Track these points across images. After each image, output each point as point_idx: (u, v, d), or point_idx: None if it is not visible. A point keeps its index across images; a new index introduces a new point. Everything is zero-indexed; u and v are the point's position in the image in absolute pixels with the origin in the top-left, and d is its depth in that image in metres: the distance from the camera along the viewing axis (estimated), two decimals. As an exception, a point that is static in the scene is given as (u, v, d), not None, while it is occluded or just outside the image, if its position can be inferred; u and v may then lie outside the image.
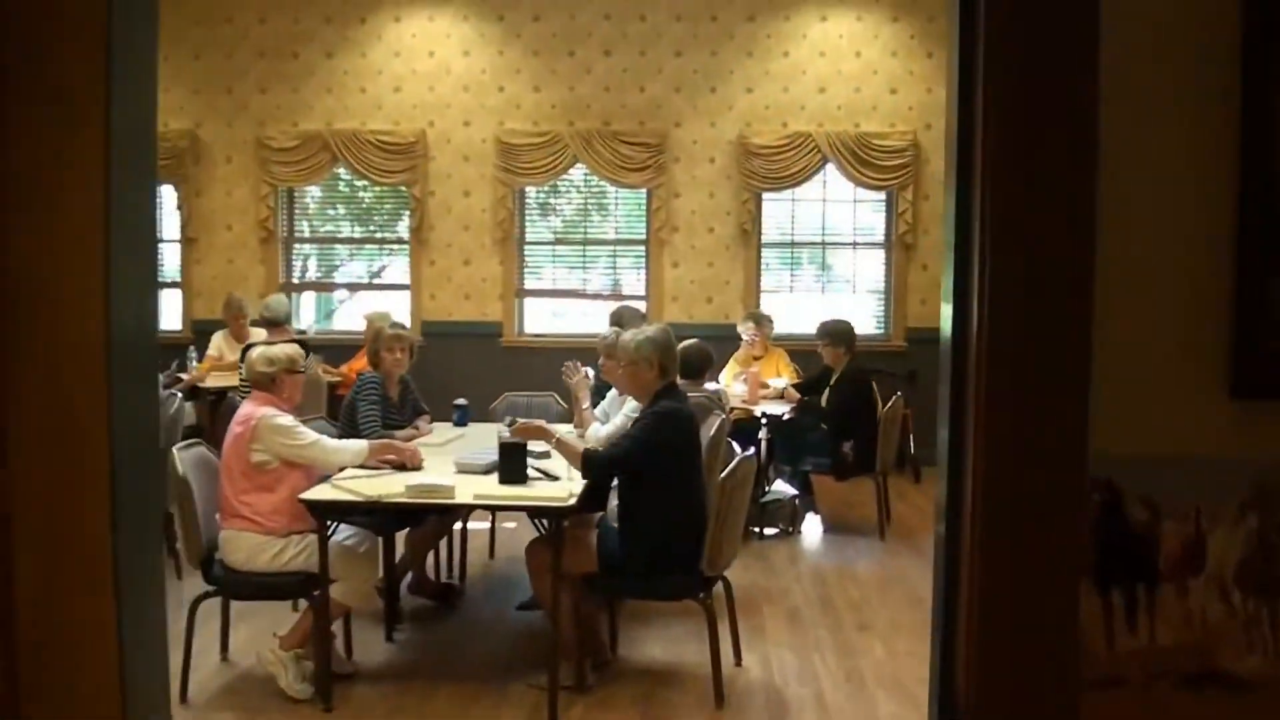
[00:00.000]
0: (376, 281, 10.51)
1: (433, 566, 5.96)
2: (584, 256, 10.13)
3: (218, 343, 8.93)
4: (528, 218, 10.11)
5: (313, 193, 10.40)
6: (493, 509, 4.78)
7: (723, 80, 9.56)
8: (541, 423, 4.79)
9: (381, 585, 5.26)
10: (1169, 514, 1.65)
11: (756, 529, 7.04)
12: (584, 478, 4.41)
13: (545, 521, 4.29)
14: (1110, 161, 1.79)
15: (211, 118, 9.94)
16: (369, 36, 9.80)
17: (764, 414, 7.15)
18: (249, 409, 4.58)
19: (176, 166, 9.87)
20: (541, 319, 10.22)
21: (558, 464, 4.67)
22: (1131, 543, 1.65)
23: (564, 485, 4.43)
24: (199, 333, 9.62)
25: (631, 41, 9.60)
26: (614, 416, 5.33)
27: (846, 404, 7.05)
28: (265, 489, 4.48)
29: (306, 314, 10.70)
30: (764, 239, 9.80)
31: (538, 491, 4.31)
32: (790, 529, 7.22)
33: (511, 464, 4.53)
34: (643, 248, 9.89)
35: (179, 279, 10.20)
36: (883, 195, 9.67)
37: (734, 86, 9.56)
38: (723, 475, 4.22)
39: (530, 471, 4.58)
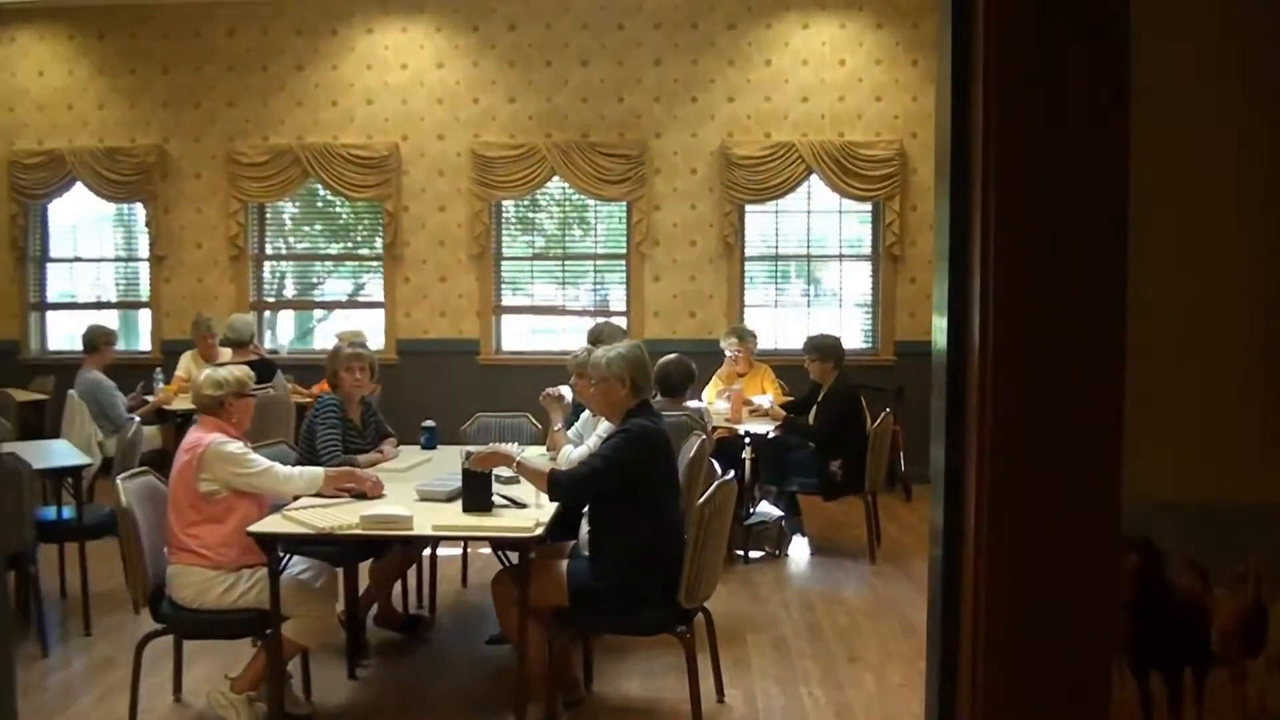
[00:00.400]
0: (350, 299, 10.23)
1: (400, 596, 5.68)
2: (563, 271, 9.87)
3: (185, 363, 8.67)
4: (505, 232, 9.86)
5: (285, 209, 10.13)
6: (453, 539, 4.52)
7: (703, 89, 9.33)
8: (499, 446, 4.51)
9: (343, 618, 5.00)
10: (1221, 579, 1.37)
11: (741, 552, 6.77)
12: (551, 500, 4.16)
13: (510, 554, 4.03)
14: (1145, 163, 1.54)
15: (179, 133, 9.68)
16: (340, 48, 9.55)
17: (748, 432, 6.89)
18: (195, 436, 4.31)
19: (145, 183, 9.63)
20: (520, 336, 9.96)
21: (527, 490, 4.41)
22: (1175, 615, 1.37)
23: (531, 513, 4.16)
24: (168, 353, 9.36)
25: (609, 51, 9.37)
26: (588, 438, 5.07)
27: (834, 421, 6.80)
28: (214, 520, 4.20)
29: (285, 333, 10.42)
30: (747, 252, 9.56)
31: (502, 521, 4.04)
32: (776, 552, 6.95)
33: (475, 491, 4.26)
34: (623, 262, 9.64)
35: (147, 298, 9.92)
36: (869, 206, 9.44)
37: (715, 95, 9.33)
38: (700, 500, 3.95)
39: (496, 499, 4.32)
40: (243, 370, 4.53)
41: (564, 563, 4.22)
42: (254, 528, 4.05)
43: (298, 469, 4.44)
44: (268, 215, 10.05)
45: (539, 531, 3.91)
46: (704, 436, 5.13)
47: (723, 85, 9.32)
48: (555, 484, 4.07)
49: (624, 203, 9.48)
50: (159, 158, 9.63)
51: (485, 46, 9.45)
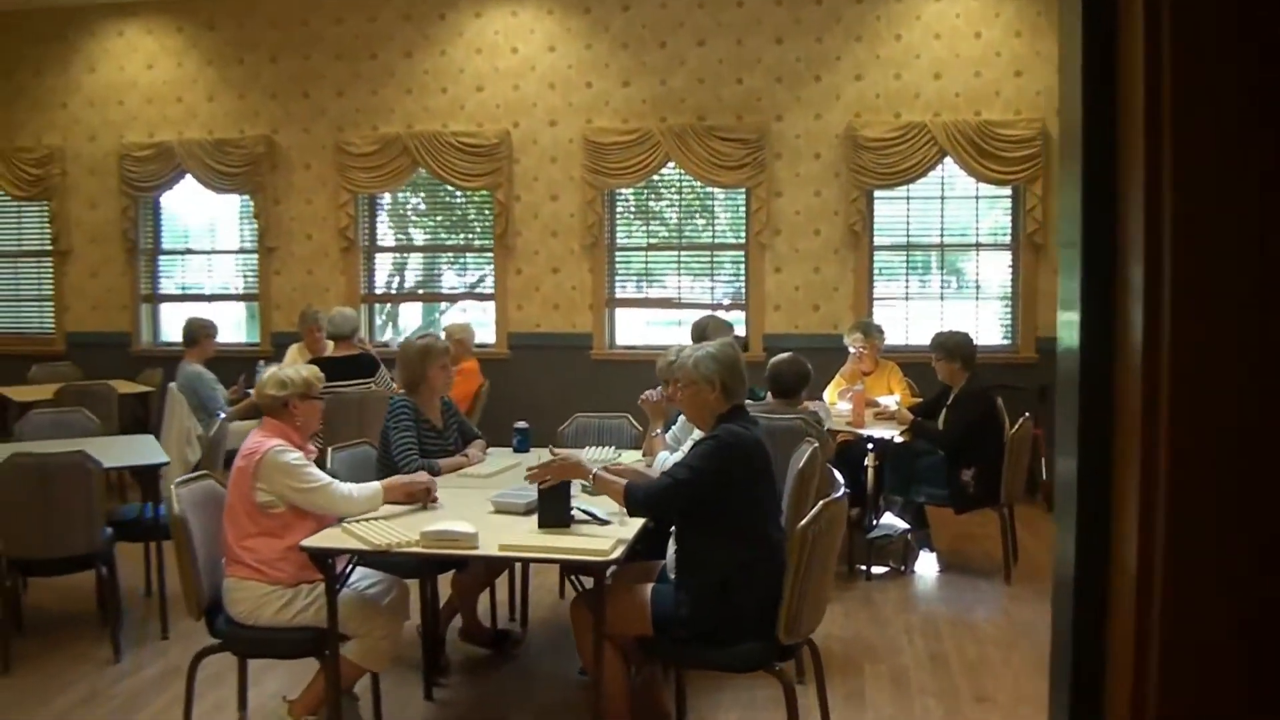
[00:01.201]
0: (464, 292, 9.96)
1: (489, 608, 5.30)
2: (679, 263, 9.38)
3: (291, 356, 8.50)
4: (619, 221, 9.43)
5: (408, 199, 9.92)
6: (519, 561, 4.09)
7: (828, 68, 8.73)
8: (571, 456, 4.05)
9: (420, 632, 4.65)
10: None
11: (863, 567, 6.21)
12: (630, 515, 3.70)
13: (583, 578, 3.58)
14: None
15: (288, 123, 9.54)
16: (449, 33, 9.26)
17: (871, 437, 6.31)
18: (256, 440, 3.97)
19: (253, 174, 9.51)
20: (636, 330, 9.51)
21: (613, 503, 3.95)
22: None
23: (611, 532, 3.70)
24: (278, 346, 9.24)
25: (727, 29, 8.84)
26: (685, 443, 4.58)
27: (966, 425, 6.15)
28: (270, 534, 3.86)
29: (410, 326, 10.17)
30: (876, 241, 8.91)
31: (575, 541, 3.58)
32: (901, 568, 6.36)
33: (551, 504, 3.82)
34: (742, 252, 9.11)
35: (256, 290, 9.82)
36: (1008, 190, 8.71)
37: (841, 74, 8.72)
38: (803, 522, 3.42)
39: (576, 513, 3.87)
40: (310, 371, 4.17)
41: (649, 587, 3.74)
42: (308, 542, 3.68)
43: (356, 486, 4.05)
44: (387, 206, 9.85)
45: (616, 554, 3.44)
46: (816, 444, 4.57)
47: (849, 63, 8.70)
48: (632, 497, 3.61)
49: (742, 190, 8.96)
50: (268, 148, 9.50)
51: (598, 28, 9.03)
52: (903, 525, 6.56)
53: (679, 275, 9.37)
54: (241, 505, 3.88)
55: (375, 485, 4.06)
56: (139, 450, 5.70)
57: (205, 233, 10.27)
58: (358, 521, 3.83)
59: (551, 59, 9.12)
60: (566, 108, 9.11)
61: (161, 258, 10.16)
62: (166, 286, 10.17)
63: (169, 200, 10.06)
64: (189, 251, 10.27)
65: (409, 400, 4.88)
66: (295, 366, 4.22)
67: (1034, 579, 6.10)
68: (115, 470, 5.48)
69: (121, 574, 5.55)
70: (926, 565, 6.45)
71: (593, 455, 5.15)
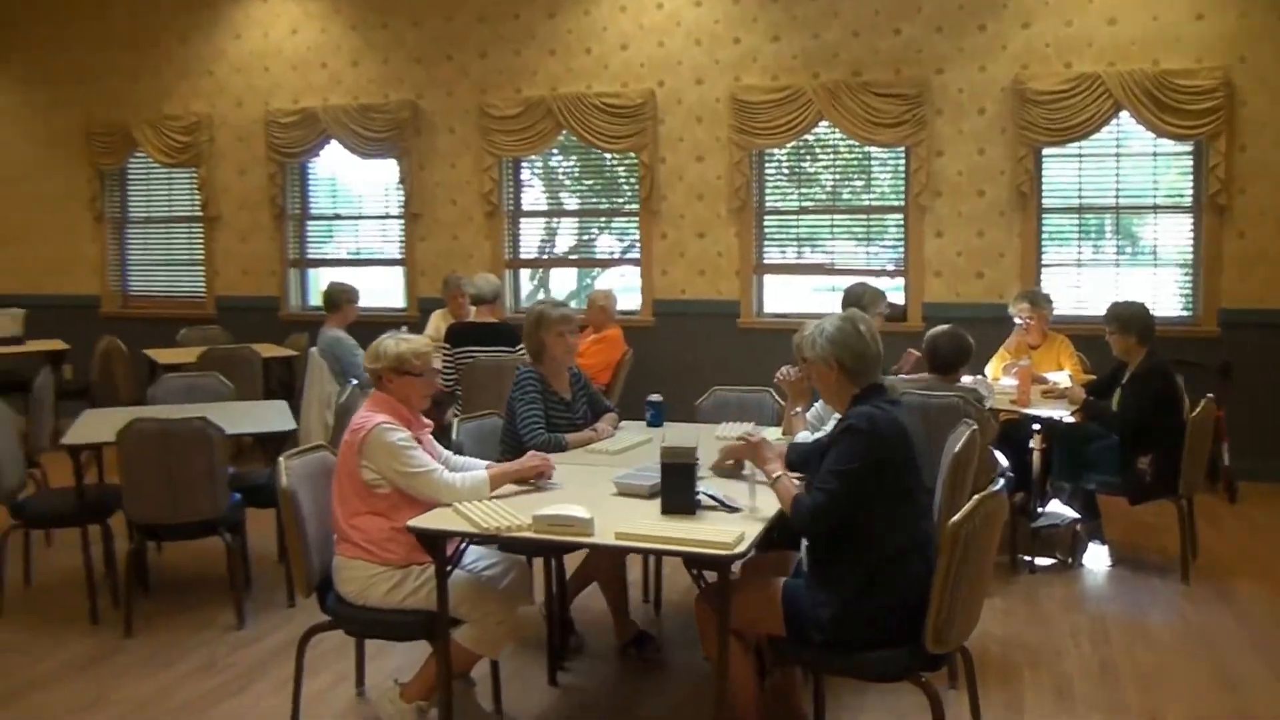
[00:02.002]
0: (606, 256, 9.72)
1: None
2: (832, 226, 8.92)
3: (435, 322, 8.46)
4: (768, 183, 9.01)
5: (545, 162, 9.72)
6: (635, 552, 3.79)
7: (993, 15, 8.10)
8: (755, 438, 3.69)
9: (545, 612, 4.43)
10: None
11: (1027, 559, 5.73)
12: (794, 529, 3.36)
13: (704, 573, 3.26)
14: None
15: (432, 87, 9.44)
16: (594, -10, 8.99)
17: (1038, 417, 5.80)
18: (363, 415, 3.77)
19: (398, 139, 9.45)
20: (785, 297, 9.10)
21: (742, 488, 3.63)
22: None
23: (739, 521, 3.37)
24: (425, 311, 9.20)
25: (885, -23, 8.30)
26: (828, 423, 4.21)
27: (1144, 407, 5.58)
28: (379, 513, 3.67)
29: (561, 292, 9.98)
30: (1045, 203, 8.26)
31: (698, 531, 3.25)
32: (1068, 560, 5.84)
33: (676, 488, 3.52)
34: (900, 215, 8.59)
35: (402, 255, 9.79)
36: (1189, 147, 7.94)
37: (1007, 22, 8.08)
38: (955, 518, 3.02)
39: (703, 498, 3.56)
40: (411, 344, 3.91)
41: (781, 582, 3.40)
42: (416, 522, 3.47)
43: (461, 476, 3.80)
44: (537, 169, 9.68)
45: (741, 548, 3.11)
46: (975, 425, 4.13)
47: (1015, 10, 8.05)
48: (799, 511, 3.25)
49: (901, 149, 8.43)
50: (412, 113, 9.43)
51: (748, -20, 8.61)
52: (1071, 514, 6.01)
53: (833, 239, 8.91)
54: (349, 482, 3.70)
55: (482, 475, 3.80)
56: (267, 416, 5.64)
57: (353, 198, 10.30)
58: (469, 501, 3.60)
59: (697, 14, 8.75)
60: (713, 65, 8.73)
61: (309, 223, 10.23)
62: (314, 252, 10.25)
63: (315, 165, 10.11)
64: (336, 217, 10.31)
65: (534, 370, 4.64)
66: (398, 337, 3.99)
67: (1215, 578, 5.51)
68: (242, 436, 5.43)
69: (253, 540, 5.55)
70: (1096, 559, 5.90)
71: (728, 431, 4.83)
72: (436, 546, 3.45)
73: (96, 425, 5.32)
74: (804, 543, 3.59)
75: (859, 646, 3.19)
